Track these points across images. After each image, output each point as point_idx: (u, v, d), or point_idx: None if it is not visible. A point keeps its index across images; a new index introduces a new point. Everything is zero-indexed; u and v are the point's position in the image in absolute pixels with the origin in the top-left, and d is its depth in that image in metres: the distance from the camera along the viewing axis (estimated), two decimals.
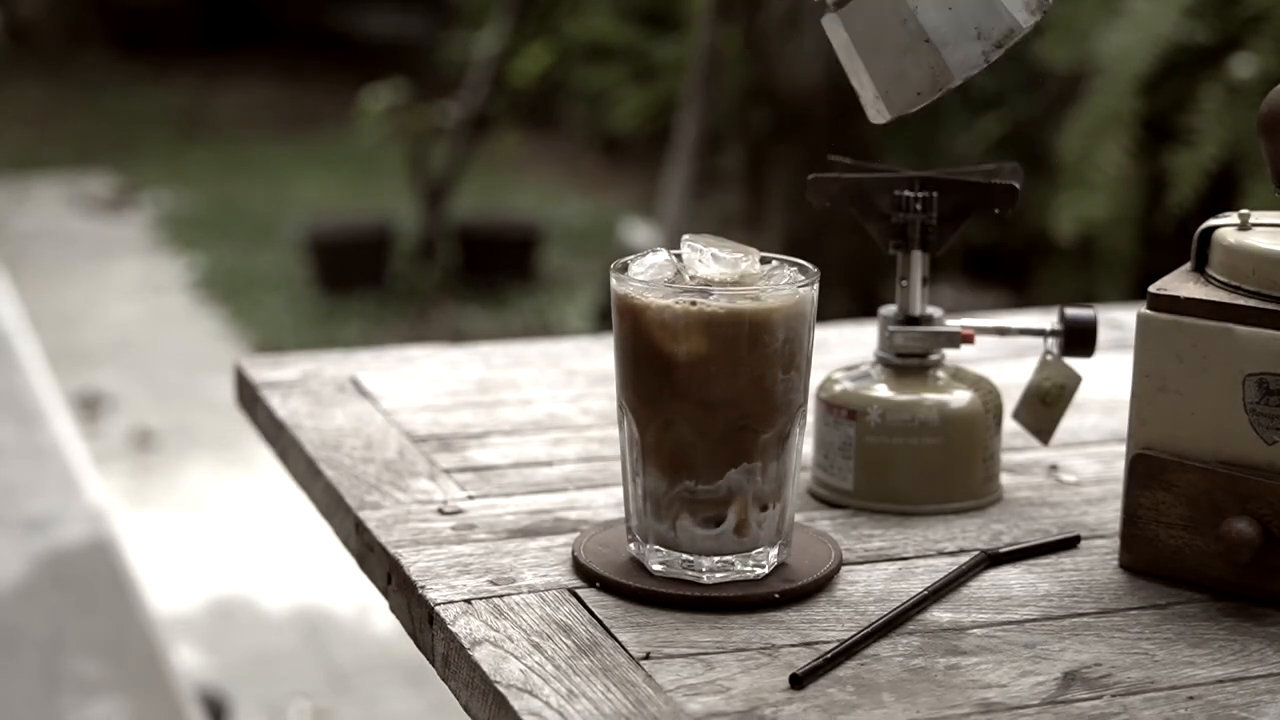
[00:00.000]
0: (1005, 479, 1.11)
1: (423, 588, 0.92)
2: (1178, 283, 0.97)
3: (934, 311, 1.08)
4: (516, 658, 0.84)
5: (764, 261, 0.95)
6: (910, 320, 1.08)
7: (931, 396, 1.06)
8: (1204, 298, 0.94)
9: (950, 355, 1.09)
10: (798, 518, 0.99)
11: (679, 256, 0.95)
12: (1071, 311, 1.07)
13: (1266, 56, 3.53)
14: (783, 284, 0.92)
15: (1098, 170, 3.64)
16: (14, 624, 3.03)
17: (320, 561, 3.38)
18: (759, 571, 0.93)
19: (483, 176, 6.42)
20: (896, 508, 1.05)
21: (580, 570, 0.95)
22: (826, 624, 0.90)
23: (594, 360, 1.37)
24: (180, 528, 3.68)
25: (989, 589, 0.95)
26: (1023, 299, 4.19)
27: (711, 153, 5.05)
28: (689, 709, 0.80)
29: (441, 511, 1.04)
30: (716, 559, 0.93)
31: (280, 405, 1.24)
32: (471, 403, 1.26)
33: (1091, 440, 1.19)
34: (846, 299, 3.68)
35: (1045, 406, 1.10)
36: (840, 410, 1.06)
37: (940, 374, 1.08)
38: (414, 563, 0.96)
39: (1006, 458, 1.13)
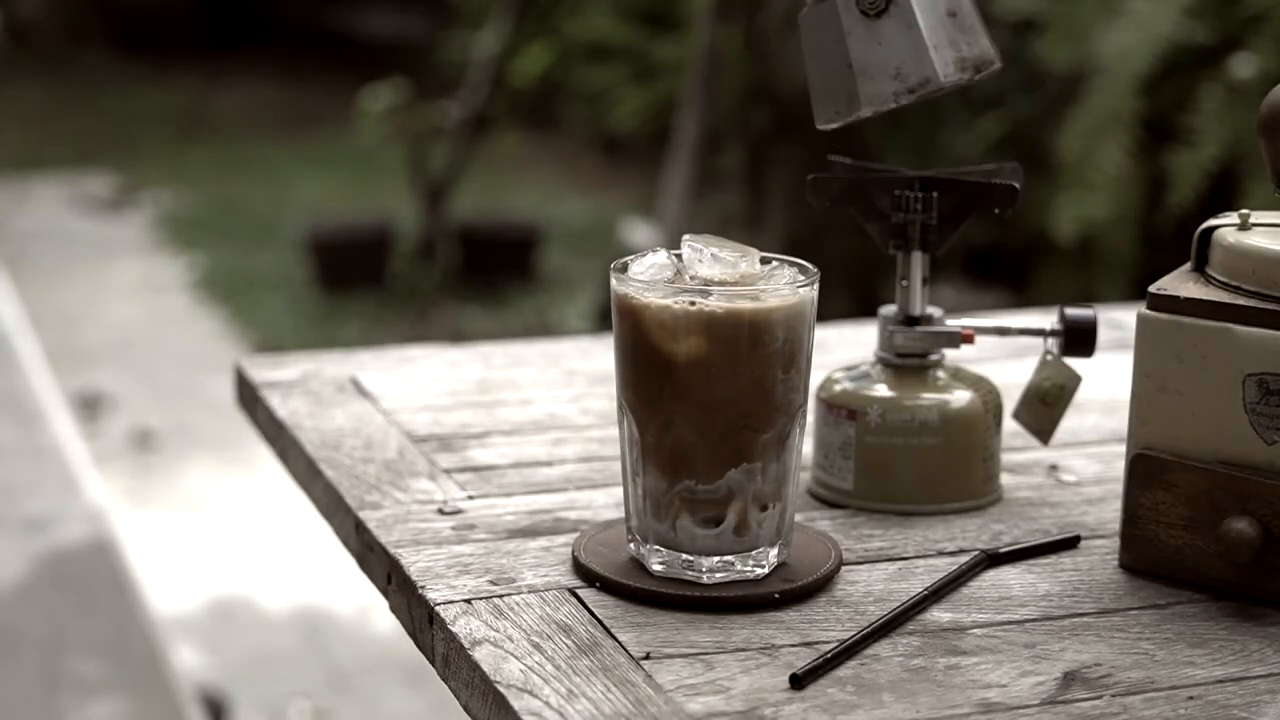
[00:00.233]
0: (1005, 479, 1.11)
1: (423, 588, 0.92)
2: (1178, 283, 0.97)
3: (934, 311, 1.08)
4: (516, 658, 0.84)
5: (764, 261, 0.95)
6: (910, 320, 1.08)
7: (931, 396, 1.06)
8: (1204, 298, 0.94)
9: (950, 355, 1.09)
10: (798, 518, 0.99)
11: (679, 256, 0.95)
12: (1071, 311, 1.07)
13: (1266, 56, 3.53)
14: (783, 284, 0.92)
15: (1098, 170, 3.64)
16: (14, 624, 3.03)
17: (320, 561, 3.38)
18: (759, 571, 0.93)
19: (483, 176, 6.42)
20: (896, 508, 1.05)
21: (580, 570, 0.95)
22: (826, 624, 0.90)
23: (594, 360, 1.37)
24: (180, 528, 3.68)
25: (989, 589, 0.95)
26: (1023, 299, 4.19)
27: (711, 153, 5.05)
28: (689, 709, 0.80)
29: (441, 511, 1.04)
30: (716, 559, 0.93)
31: (280, 405, 1.24)
32: (471, 403, 1.26)
33: (1091, 440, 1.19)
34: (846, 299, 3.68)
35: (1045, 406, 1.10)
36: (840, 410, 1.06)
37: (940, 374, 1.08)
38: (414, 563, 0.96)
39: (1006, 458, 1.13)
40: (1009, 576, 0.96)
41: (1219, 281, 0.95)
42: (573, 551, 0.97)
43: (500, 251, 5.75)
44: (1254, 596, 0.93)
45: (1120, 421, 1.06)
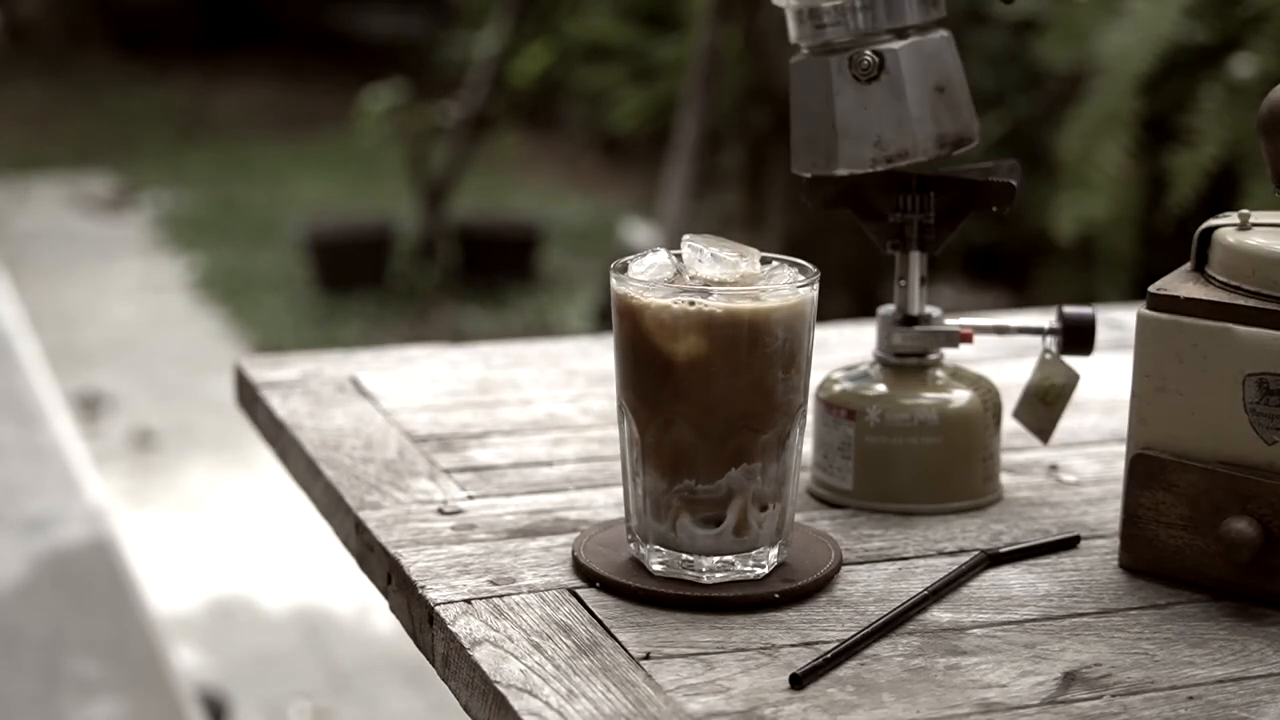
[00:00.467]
0: (1005, 479, 1.11)
1: (423, 588, 0.92)
2: (1178, 283, 0.97)
3: (933, 311, 1.08)
4: (516, 658, 0.84)
5: (764, 262, 0.95)
6: (909, 320, 1.08)
7: (930, 396, 1.06)
8: (1204, 298, 0.94)
9: (949, 355, 1.09)
10: (798, 518, 0.99)
11: (679, 256, 0.95)
12: (1070, 310, 1.07)
13: (1266, 56, 3.53)
14: (783, 284, 0.92)
15: (1098, 170, 3.64)
16: (14, 624, 3.03)
17: (320, 561, 3.38)
18: (759, 571, 0.93)
19: (483, 176, 6.42)
20: (896, 507, 1.05)
21: (580, 570, 0.95)
22: (826, 624, 0.90)
23: (594, 360, 1.37)
24: (180, 528, 3.68)
25: (989, 589, 0.95)
26: (1023, 299, 4.19)
27: (711, 153, 5.05)
28: (689, 709, 0.80)
29: (441, 511, 1.04)
30: (716, 559, 0.93)
31: (280, 405, 1.24)
32: (471, 403, 1.26)
33: (1091, 440, 1.19)
34: (846, 299, 3.68)
35: (1045, 405, 1.10)
36: (839, 410, 1.06)
37: (939, 373, 1.08)
38: (414, 563, 0.96)
39: (1006, 458, 1.13)
40: (1009, 576, 0.96)
41: (1219, 281, 0.95)
42: (573, 551, 0.97)
43: (500, 251, 5.75)
44: (1254, 596, 0.93)
45: (1120, 421, 1.06)
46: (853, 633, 0.87)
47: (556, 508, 1.05)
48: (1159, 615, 0.92)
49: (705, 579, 0.92)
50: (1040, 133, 4.17)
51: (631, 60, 6.54)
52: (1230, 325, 0.92)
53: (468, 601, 0.91)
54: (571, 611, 0.90)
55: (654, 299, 0.91)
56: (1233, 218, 0.98)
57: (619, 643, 0.86)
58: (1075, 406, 1.14)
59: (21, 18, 10.06)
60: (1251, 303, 0.92)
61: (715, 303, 0.90)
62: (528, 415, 1.24)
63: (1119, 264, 3.82)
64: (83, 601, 3.14)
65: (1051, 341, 1.08)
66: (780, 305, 0.91)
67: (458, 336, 4.83)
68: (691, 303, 0.90)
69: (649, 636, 0.87)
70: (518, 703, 0.79)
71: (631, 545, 0.95)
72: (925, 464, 1.05)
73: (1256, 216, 0.98)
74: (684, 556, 0.93)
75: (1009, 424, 1.11)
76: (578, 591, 0.93)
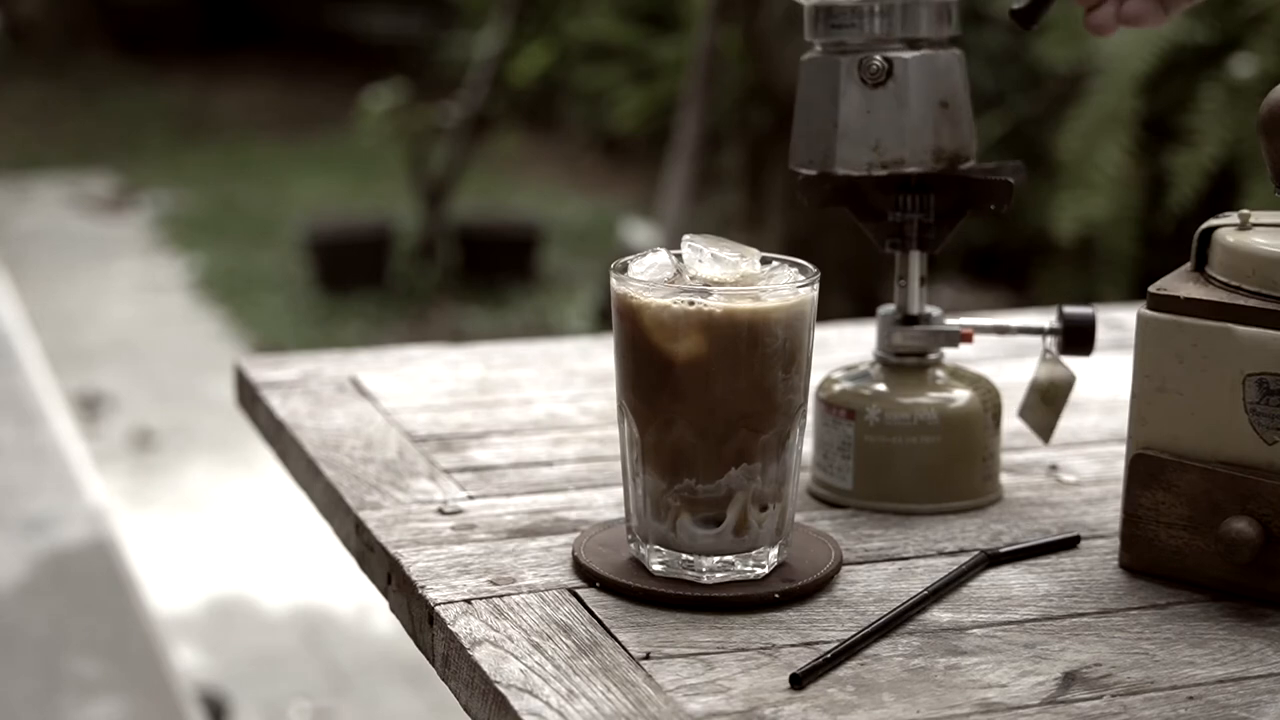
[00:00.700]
0: (1005, 479, 1.11)
1: (423, 588, 0.92)
2: (1178, 283, 0.97)
3: (932, 310, 1.08)
4: (516, 658, 0.84)
5: (764, 262, 0.95)
6: (908, 319, 1.08)
7: (930, 396, 1.06)
8: (1204, 298, 0.94)
9: (949, 354, 1.09)
10: (798, 518, 0.98)
11: (679, 256, 0.95)
12: (1070, 310, 1.07)
13: (1266, 56, 3.53)
14: (783, 284, 0.92)
15: (1098, 170, 3.65)
16: (14, 624, 3.03)
17: (320, 561, 3.38)
18: (759, 571, 0.93)
19: (483, 176, 6.42)
20: (896, 507, 1.05)
21: (580, 570, 0.95)
22: (826, 624, 0.89)
23: (594, 360, 1.37)
24: (180, 528, 3.68)
25: (989, 589, 0.95)
26: (1023, 299, 4.19)
27: (711, 153, 5.05)
28: (689, 709, 0.80)
29: (441, 511, 1.04)
30: (716, 559, 0.93)
31: (280, 405, 1.24)
32: (471, 403, 1.26)
33: (1091, 440, 1.19)
34: (846, 299, 3.68)
35: (1045, 405, 1.10)
36: (839, 410, 1.06)
37: (939, 373, 1.08)
38: (414, 563, 0.95)
39: (1006, 458, 1.13)
40: (1009, 576, 0.96)
41: (1219, 281, 0.95)
42: (573, 551, 0.97)
43: (500, 251, 5.75)
44: (1254, 596, 0.93)
45: (1120, 421, 1.06)
46: (853, 633, 0.87)
47: (556, 508, 1.05)
48: (1159, 615, 0.92)
49: (705, 579, 0.92)
50: (1040, 133, 4.17)
51: (631, 60, 6.54)
52: (1230, 325, 0.92)
53: (468, 601, 0.91)
54: (571, 611, 0.90)
55: (654, 299, 0.91)
56: (1233, 218, 0.98)
57: (619, 643, 0.86)
58: (1075, 406, 1.14)
59: (21, 18, 10.06)
60: (1251, 303, 0.92)
61: (715, 303, 0.90)
62: (528, 415, 1.24)
63: (1119, 264, 3.82)
64: (83, 601, 3.14)
65: (1052, 341, 1.08)
66: (780, 305, 0.91)
67: (458, 336, 4.83)
68: (691, 303, 0.90)
69: (649, 636, 0.87)
70: (518, 703, 0.79)
71: (631, 545, 0.95)
72: (925, 464, 1.05)
73: (1256, 216, 0.98)
74: (684, 556, 0.93)
75: (1009, 424, 1.11)
76: (578, 591, 0.92)
